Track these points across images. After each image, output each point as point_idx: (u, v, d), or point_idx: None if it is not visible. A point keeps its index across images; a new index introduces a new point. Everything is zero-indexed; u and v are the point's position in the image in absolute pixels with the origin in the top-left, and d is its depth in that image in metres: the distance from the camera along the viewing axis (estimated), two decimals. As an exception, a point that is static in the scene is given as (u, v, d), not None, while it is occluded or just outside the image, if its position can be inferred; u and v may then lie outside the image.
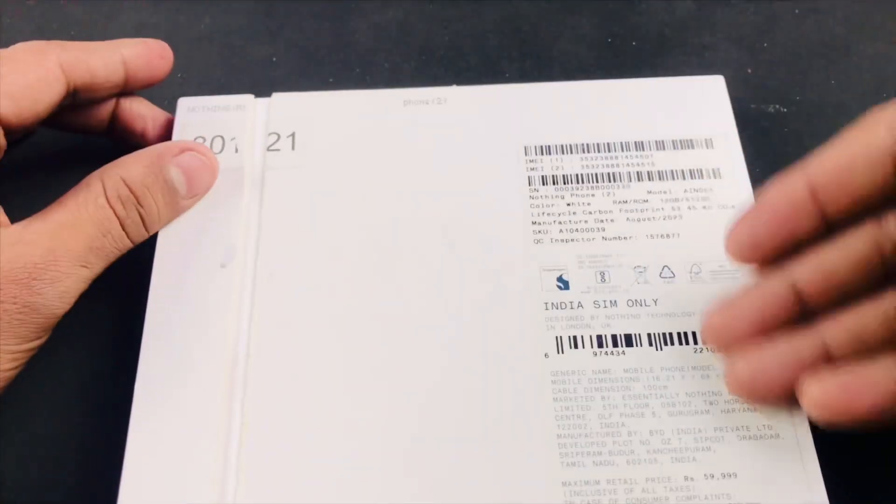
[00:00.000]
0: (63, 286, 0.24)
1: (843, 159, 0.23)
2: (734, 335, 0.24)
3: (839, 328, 0.23)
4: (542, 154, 0.29)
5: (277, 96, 0.31)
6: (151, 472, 0.23)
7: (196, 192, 0.28)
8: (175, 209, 0.27)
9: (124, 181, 0.26)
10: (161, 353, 0.25)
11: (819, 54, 0.34)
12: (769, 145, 0.30)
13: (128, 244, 0.26)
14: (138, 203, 0.26)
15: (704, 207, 0.28)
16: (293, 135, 0.30)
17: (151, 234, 0.27)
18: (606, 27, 0.36)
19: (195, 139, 0.29)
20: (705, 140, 0.29)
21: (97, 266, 0.25)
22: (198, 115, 0.30)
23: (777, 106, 0.32)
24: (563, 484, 0.23)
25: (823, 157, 0.23)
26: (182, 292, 0.26)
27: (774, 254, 0.24)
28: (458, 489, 0.23)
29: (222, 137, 0.30)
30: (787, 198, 0.23)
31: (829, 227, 0.23)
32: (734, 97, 0.30)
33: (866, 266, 0.23)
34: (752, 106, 0.31)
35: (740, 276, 0.26)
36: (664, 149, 0.29)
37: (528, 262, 0.27)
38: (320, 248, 0.27)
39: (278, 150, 0.29)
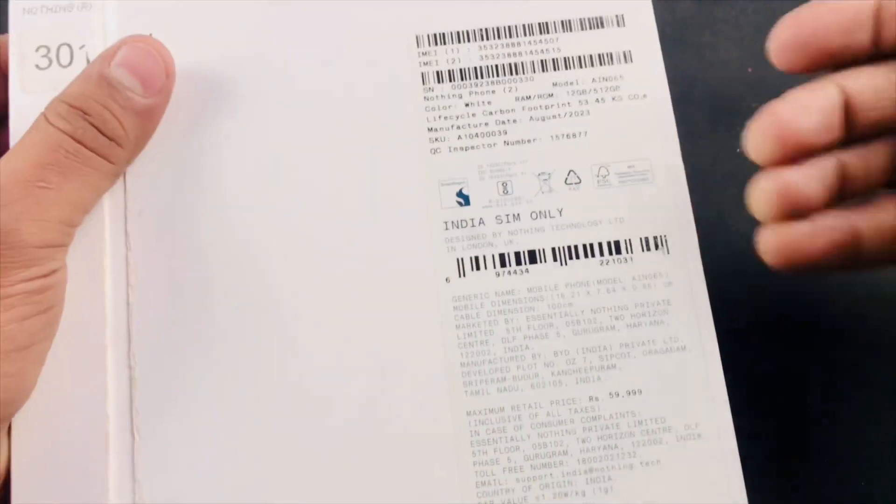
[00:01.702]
0: (19, 209, 0.22)
1: None
2: (781, 141, 0.22)
3: (855, 155, 0.22)
4: (436, 44, 0.26)
5: (127, -9, 0.26)
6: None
7: (153, 85, 0.24)
8: (137, 111, 0.24)
9: (62, 101, 0.23)
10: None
11: (819, 52, 0.32)
12: (769, 145, 0.28)
13: (94, 157, 0.23)
14: (84, 112, 0.23)
15: (614, 99, 0.25)
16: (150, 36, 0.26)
17: (127, 146, 0.24)
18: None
19: (37, 50, 0.26)
20: (616, 17, 0.26)
21: (63, 185, 0.22)
22: (36, 18, 0.26)
23: None
24: (468, 413, 0.23)
25: None
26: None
27: (818, 63, 0.22)
28: (361, 424, 0.23)
29: (70, 46, 0.26)
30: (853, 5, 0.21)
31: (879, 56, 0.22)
32: (734, 96, 0.29)
33: None
34: (753, 105, 0.29)
35: (650, 179, 0.25)
36: (571, 30, 0.26)
37: (426, 176, 0.25)
38: (192, 173, 0.25)
39: (135, 58, 0.26)
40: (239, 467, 0.23)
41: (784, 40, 0.22)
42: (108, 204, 0.24)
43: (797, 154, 0.22)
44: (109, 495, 0.22)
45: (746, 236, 0.26)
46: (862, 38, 0.22)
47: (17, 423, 0.23)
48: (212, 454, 0.23)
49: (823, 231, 0.22)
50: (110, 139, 0.23)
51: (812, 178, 0.22)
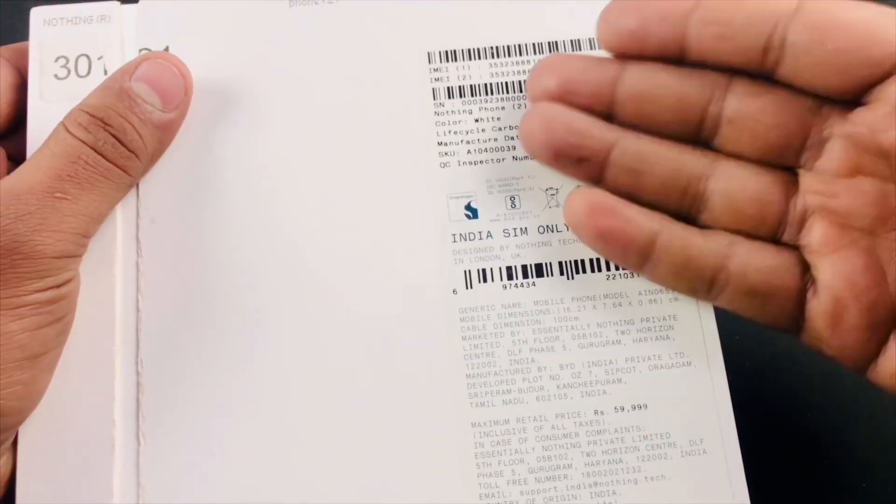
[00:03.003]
0: (36, 220, 0.22)
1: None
2: (552, 83, 0.23)
3: (630, 151, 0.23)
4: (448, 61, 0.26)
5: (145, 3, 0.27)
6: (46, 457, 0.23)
7: (172, 101, 0.25)
8: (156, 124, 0.24)
9: (83, 110, 0.24)
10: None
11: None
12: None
13: (113, 169, 0.23)
14: (104, 123, 0.23)
15: (622, 117, 0.26)
16: (167, 49, 0.26)
17: (144, 158, 0.24)
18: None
19: (56, 60, 0.26)
20: (625, 37, 0.26)
21: (80, 196, 0.23)
22: (56, 29, 0.26)
23: None
24: (473, 425, 0.23)
25: None
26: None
27: (624, 49, 0.23)
28: (366, 433, 0.23)
29: (88, 57, 0.26)
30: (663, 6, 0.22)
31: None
32: None
33: (686, 107, 0.23)
34: None
35: (657, 195, 0.25)
36: (580, 49, 0.26)
37: (435, 190, 0.25)
38: (206, 182, 0.25)
39: (151, 70, 0.26)
40: (244, 473, 0.23)
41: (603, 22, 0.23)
42: (121, 211, 0.25)
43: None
44: (114, 499, 0.22)
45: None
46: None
47: (24, 427, 0.23)
48: (217, 460, 0.23)
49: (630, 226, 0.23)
50: (130, 151, 0.24)
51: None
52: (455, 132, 0.26)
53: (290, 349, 0.24)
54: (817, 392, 0.27)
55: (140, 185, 0.25)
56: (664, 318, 0.24)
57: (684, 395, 0.23)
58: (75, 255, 0.23)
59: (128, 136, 0.24)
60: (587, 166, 0.23)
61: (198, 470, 0.23)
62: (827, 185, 0.22)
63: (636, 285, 0.24)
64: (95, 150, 0.23)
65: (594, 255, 0.24)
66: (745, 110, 0.22)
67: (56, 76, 0.26)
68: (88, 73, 0.26)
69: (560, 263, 0.24)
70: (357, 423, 0.23)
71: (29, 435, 0.23)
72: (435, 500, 0.23)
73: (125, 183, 0.24)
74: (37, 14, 0.26)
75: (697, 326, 0.24)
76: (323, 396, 0.23)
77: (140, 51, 0.26)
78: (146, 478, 0.23)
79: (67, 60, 0.26)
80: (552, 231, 0.25)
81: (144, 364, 0.24)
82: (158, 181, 0.25)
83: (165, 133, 0.25)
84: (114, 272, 0.24)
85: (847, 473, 0.26)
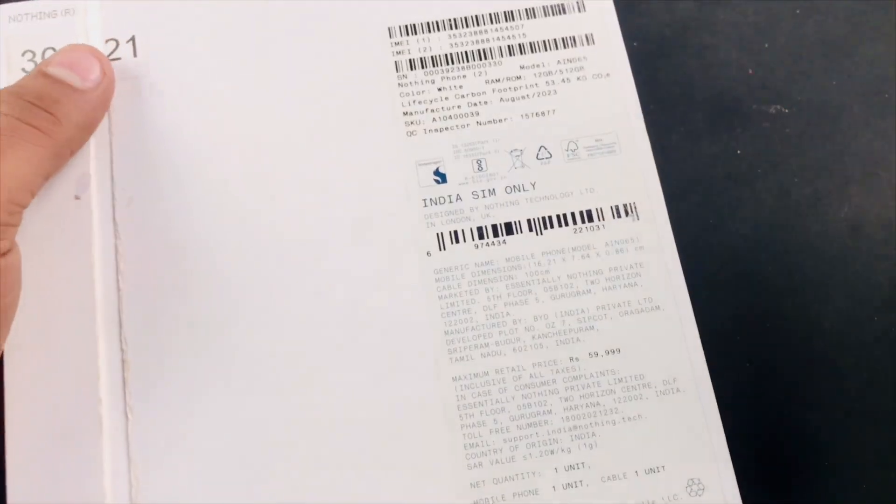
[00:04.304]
0: None
1: None
2: None
3: None
4: (408, 34, 0.27)
5: (109, -5, 0.27)
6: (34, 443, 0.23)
7: (90, 76, 0.25)
8: (77, 93, 0.24)
9: (8, 93, 0.24)
10: (22, 299, 0.24)
11: (819, 54, 0.32)
12: (770, 146, 0.29)
13: (32, 130, 0.23)
14: (19, 95, 0.23)
15: (579, 78, 0.27)
16: (133, 39, 0.27)
17: (67, 124, 0.24)
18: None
19: (23, 54, 0.26)
20: (577, 3, 0.27)
21: (13, 158, 0.23)
22: (22, 25, 0.27)
23: (778, 107, 0.30)
24: (454, 379, 0.24)
25: None
26: (36, 229, 0.25)
27: None
28: (351, 391, 0.24)
29: (55, 50, 0.27)
30: None
31: None
32: (735, 98, 0.29)
33: None
34: (753, 107, 0.30)
35: (617, 150, 0.26)
36: (535, 17, 0.27)
37: (403, 158, 0.26)
38: (180, 163, 0.26)
39: (119, 58, 0.27)
40: (231, 443, 0.23)
41: None
42: (96, 194, 0.25)
43: None
44: (104, 475, 0.23)
45: (747, 237, 0.27)
46: None
47: (11, 406, 0.23)
48: (203, 432, 0.23)
49: None
50: (49, 113, 0.24)
51: None
52: (419, 102, 0.26)
53: (269, 319, 0.24)
54: (816, 390, 0.27)
55: (114, 167, 0.25)
56: (631, 267, 0.25)
57: (655, 338, 0.24)
58: (8, 224, 0.23)
59: (45, 102, 0.24)
60: None
61: (186, 442, 0.23)
62: None
63: (602, 237, 0.25)
64: (13, 116, 0.23)
65: (561, 211, 0.25)
66: None
67: (24, 70, 0.26)
68: (56, 65, 0.26)
69: (528, 221, 0.25)
70: (340, 384, 0.24)
71: (17, 415, 0.23)
72: (422, 454, 0.23)
73: (48, 147, 0.24)
74: (3, 11, 0.27)
75: (664, 273, 0.25)
76: (305, 362, 0.24)
77: (106, 41, 0.27)
78: (135, 451, 0.23)
79: (34, 54, 0.27)
80: (519, 190, 0.25)
81: (128, 342, 0.24)
82: (133, 163, 0.25)
83: (89, 105, 0.25)
84: (92, 255, 0.25)
85: (847, 474, 0.26)
